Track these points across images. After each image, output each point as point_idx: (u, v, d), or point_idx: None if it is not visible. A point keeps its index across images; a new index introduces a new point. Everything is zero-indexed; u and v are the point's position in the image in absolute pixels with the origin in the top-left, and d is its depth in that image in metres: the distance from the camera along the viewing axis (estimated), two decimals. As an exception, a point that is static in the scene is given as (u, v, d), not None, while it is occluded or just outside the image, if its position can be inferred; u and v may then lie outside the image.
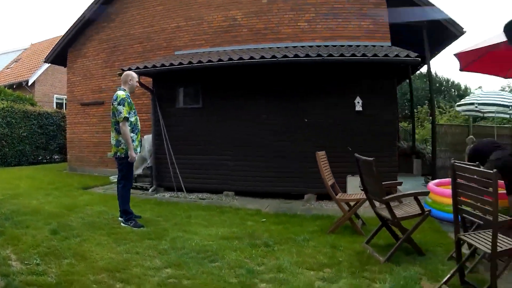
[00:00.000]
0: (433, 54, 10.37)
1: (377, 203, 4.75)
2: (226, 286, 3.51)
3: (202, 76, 8.55)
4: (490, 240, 3.13)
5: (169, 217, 6.17)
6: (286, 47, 8.98)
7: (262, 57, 7.65)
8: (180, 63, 8.10)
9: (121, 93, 5.43)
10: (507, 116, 8.94)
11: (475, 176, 3.33)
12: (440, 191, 6.27)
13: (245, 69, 8.05)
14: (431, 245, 4.75)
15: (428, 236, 5.07)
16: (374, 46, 8.65)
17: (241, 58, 7.72)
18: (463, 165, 3.53)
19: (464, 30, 8.88)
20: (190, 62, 8.01)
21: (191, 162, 8.61)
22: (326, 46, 8.86)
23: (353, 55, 7.21)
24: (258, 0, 9.41)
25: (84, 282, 3.45)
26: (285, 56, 7.53)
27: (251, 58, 7.69)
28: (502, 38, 4.71)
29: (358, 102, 7.81)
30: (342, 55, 7.30)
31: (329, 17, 9.08)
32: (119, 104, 5.35)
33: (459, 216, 3.63)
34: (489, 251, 3.09)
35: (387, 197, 4.31)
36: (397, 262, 4.12)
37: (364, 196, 5.25)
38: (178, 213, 6.48)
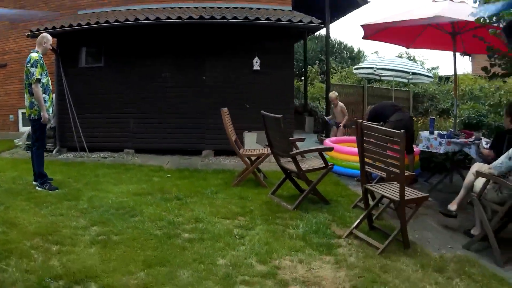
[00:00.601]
0: (332, 19, 10.98)
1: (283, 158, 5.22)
2: (154, 238, 3.74)
3: (105, 35, 8.33)
4: (396, 190, 3.72)
5: (78, 178, 6.14)
6: (188, 7, 8.91)
7: (168, 18, 7.63)
8: (88, 23, 7.82)
9: (34, 55, 5.33)
10: (405, 81, 9.90)
11: (382, 135, 3.79)
12: (338, 148, 7.03)
13: (149, 29, 8.02)
14: (333, 196, 5.39)
15: (329, 188, 5.72)
16: (274, 9, 9.03)
17: (147, 19, 7.66)
18: (370, 124, 3.98)
19: (368, 0, 9.62)
20: (97, 22, 7.78)
21: (93, 121, 8.47)
22: (227, 7, 8.98)
23: (257, 18, 7.56)
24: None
25: (22, 248, 3.42)
26: (190, 17, 7.60)
27: (157, 18, 7.64)
28: (409, 16, 5.46)
29: (256, 62, 8.24)
30: (246, 18, 7.60)
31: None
32: (32, 66, 5.24)
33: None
34: (398, 199, 3.68)
35: (293, 152, 4.85)
36: (306, 210, 4.71)
37: (267, 151, 5.80)
38: (86, 173, 6.48)
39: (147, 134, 8.43)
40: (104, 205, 4.69)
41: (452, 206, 4.41)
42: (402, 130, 3.58)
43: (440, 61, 55.45)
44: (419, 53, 25.63)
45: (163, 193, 5.31)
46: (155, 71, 8.41)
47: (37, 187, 5.41)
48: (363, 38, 6.82)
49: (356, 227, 4.07)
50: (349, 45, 25.63)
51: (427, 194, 4.09)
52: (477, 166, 4.36)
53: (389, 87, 12.70)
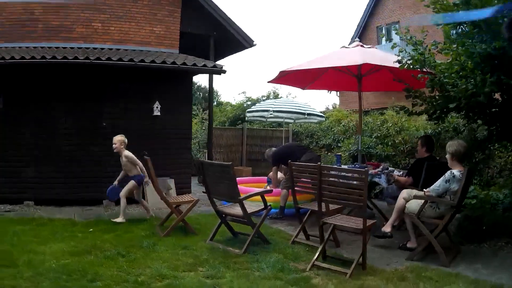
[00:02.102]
0: (216, 59, 11.30)
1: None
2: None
3: (5, 74, 7.30)
4: (353, 222, 4.37)
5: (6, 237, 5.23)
6: (79, 47, 8.26)
7: (54, 57, 7.02)
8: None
9: None
10: (311, 121, 10.54)
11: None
12: (245, 189, 7.10)
13: (44, 69, 7.27)
14: (266, 235, 5.41)
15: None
16: (164, 52, 8.97)
17: (33, 57, 6.94)
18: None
19: (254, 43, 10.01)
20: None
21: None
22: (118, 49, 8.61)
23: (164, 62, 7.45)
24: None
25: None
26: (76, 58, 7.15)
27: (43, 58, 6.96)
28: (336, 62, 6.15)
29: (157, 107, 8.08)
30: (142, 60, 7.44)
31: (123, 20, 8.81)
32: None
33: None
34: (361, 228, 4.17)
35: (242, 197, 4.87)
36: (254, 252, 4.75)
37: (194, 198, 5.94)
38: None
39: (46, 184, 7.57)
40: (50, 270, 4.06)
41: (387, 228, 5.05)
42: (366, 169, 4.08)
43: (307, 99, 59.19)
44: (285, 92, 28.31)
45: (102, 251, 4.78)
46: (52, 116, 7.65)
47: None
48: (269, 82, 7.37)
49: (316, 259, 4.36)
50: (202, 86, 26.48)
51: (374, 220, 4.68)
52: (405, 193, 5.08)
53: (267, 128, 13.61)
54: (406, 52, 5.40)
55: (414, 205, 4.81)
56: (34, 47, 7.87)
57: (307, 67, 6.62)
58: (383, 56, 6.58)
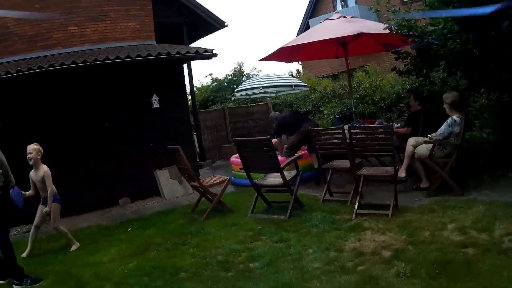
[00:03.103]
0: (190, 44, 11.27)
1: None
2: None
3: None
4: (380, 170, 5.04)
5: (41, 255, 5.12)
6: (60, 53, 8.06)
7: (52, 65, 6.86)
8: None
9: None
10: (297, 91, 10.93)
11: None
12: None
13: (38, 79, 6.99)
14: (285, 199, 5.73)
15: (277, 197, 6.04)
16: (144, 45, 8.99)
17: (40, 67, 6.74)
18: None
19: (226, 24, 10.25)
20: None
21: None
22: (99, 49, 8.48)
23: (158, 53, 7.47)
24: (31, 5, 7.89)
25: None
26: (74, 62, 6.93)
27: (40, 67, 6.76)
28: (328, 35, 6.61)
29: (155, 100, 8.14)
30: (139, 55, 7.38)
31: (98, 20, 8.65)
32: None
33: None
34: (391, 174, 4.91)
35: (283, 165, 5.38)
36: (297, 215, 5.26)
37: (224, 178, 6.28)
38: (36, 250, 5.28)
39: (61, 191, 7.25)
40: (126, 276, 4.08)
41: (402, 174, 5.71)
42: (390, 123, 4.65)
43: (271, 70, 58.57)
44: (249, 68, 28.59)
45: (158, 245, 4.91)
46: (59, 122, 7.44)
47: (14, 287, 4.12)
48: (261, 59, 7.74)
49: (358, 208, 4.95)
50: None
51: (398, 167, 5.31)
52: (413, 141, 5.75)
53: (247, 105, 13.98)
54: (393, 20, 6.05)
55: (424, 149, 5.51)
56: (15, 61, 7.61)
57: (305, 41, 7.03)
58: (367, 24, 7.20)
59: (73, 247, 5.24)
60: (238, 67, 19.51)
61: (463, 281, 3.02)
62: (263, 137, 5.39)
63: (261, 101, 14.11)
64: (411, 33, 5.90)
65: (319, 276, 3.46)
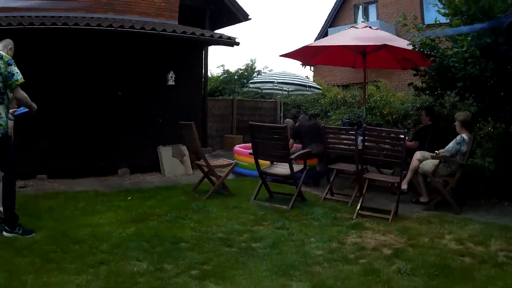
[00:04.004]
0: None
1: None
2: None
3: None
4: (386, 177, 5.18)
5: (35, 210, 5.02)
6: (83, 17, 8.02)
7: (88, 24, 6.87)
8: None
9: (4, 54, 4.03)
10: (309, 93, 10.71)
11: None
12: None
13: (57, 38, 6.99)
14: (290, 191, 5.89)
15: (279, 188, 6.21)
16: (166, 23, 9.00)
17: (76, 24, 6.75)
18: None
19: (249, 17, 10.25)
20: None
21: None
22: (122, 19, 8.48)
23: (174, 31, 7.48)
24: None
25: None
26: (99, 25, 6.94)
27: (64, 24, 6.75)
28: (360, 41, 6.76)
29: (172, 77, 8.13)
30: (164, 30, 7.41)
31: (125, -10, 8.68)
32: (9, 64, 3.97)
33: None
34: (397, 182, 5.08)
35: (293, 156, 5.46)
36: (299, 207, 5.36)
37: (230, 162, 6.35)
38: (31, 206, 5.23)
39: (59, 156, 7.30)
40: (124, 239, 4.07)
41: (403, 186, 5.75)
42: (404, 130, 4.78)
43: (282, 70, 60.32)
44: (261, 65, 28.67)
45: (158, 216, 4.91)
46: (70, 85, 7.33)
47: (5, 233, 4.07)
48: (281, 55, 7.80)
49: (359, 209, 5.10)
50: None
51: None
52: (419, 155, 5.83)
53: (256, 99, 14.08)
54: (418, 36, 6.18)
55: (429, 165, 5.59)
56: (37, 16, 7.54)
57: (330, 43, 7.13)
58: (391, 37, 7.29)
59: None
60: (251, 63, 19.68)
61: (460, 284, 3.16)
62: (280, 125, 5.43)
63: (269, 98, 14.18)
64: (432, 53, 6.06)
65: (321, 263, 3.54)
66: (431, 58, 6.07)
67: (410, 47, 6.27)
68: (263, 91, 11.13)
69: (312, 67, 18.25)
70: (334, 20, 17.93)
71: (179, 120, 7.62)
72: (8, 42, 4.35)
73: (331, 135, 6.09)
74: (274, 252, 3.79)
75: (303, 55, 7.99)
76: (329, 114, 11.32)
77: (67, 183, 6.94)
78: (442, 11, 6.35)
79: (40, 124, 6.96)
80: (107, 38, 7.37)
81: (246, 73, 19.11)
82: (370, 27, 7.48)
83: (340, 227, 4.61)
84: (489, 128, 7.30)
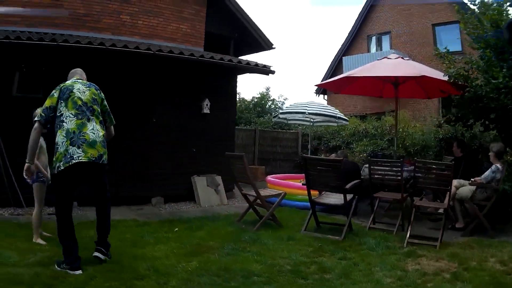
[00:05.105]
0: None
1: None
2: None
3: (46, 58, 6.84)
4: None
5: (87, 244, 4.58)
6: (110, 38, 8.13)
7: (125, 45, 6.99)
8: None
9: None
10: (334, 125, 10.83)
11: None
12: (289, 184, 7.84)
13: (93, 57, 6.97)
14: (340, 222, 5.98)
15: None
16: (194, 50, 9.08)
17: (102, 44, 6.78)
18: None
19: (273, 46, 10.40)
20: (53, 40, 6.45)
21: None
22: (149, 44, 8.66)
23: (222, 58, 7.70)
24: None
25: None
26: (160, 50, 7.09)
27: (113, 45, 6.93)
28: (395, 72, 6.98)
29: (207, 105, 8.19)
30: (202, 56, 7.61)
31: (151, 15, 8.76)
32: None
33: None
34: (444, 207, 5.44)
35: (348, 186, 5.51)
36: (350, 238, 5.40)
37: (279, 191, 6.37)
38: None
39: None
40: (191, 274, 3.89)
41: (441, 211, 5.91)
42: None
43: (295, 99, 60.13)
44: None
45: (214, 249, 4.76)
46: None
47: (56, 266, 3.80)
48: (317, 85, 7.94)
49: (408, 237, 5.23)
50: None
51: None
52: (456, 182, 6.05)
53: (277, 130, 14.17)
54: (453, 69, 6.55)
55: (466, 191, 5.91)
56: (62, 34, 7.42)
57: (373, 75, 7.29)
58: (425, 68, 7.54)
59: (35, 239, 4.64)
60: (266, 91, 19.93)
61: None
62: (337, 158, 5.57)
63: (288, 128, 14.28)
64: (466, 83, 6.37)
65: None
66: (467, 89, 6.36)
67: (446, 78, 6.59)
68: (289, 121, 11.17)
69: (325, 96, 18.46)
70: (348, 49, 18.29)
71: (212, 149, 7.63)
72: (82, 71, 4.37)
73: (376, 167, 6.28)
74: (349, 282, 3.81)
75: (337, 84, 8.12)
76: (351, 146, 11.40)
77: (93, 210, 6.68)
78: (475, 45, 6.75)
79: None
80: (140, 62, 7.40)
81: (262, 102, 19.29)
82: (402, 58, 7.67)
83: (396, 255, 4.69)
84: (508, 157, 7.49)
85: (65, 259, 3.79)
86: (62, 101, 3.91)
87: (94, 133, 3.94)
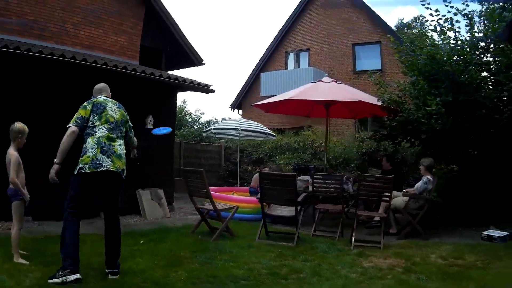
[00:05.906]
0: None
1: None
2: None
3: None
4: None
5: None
6: (53, 47, 7.86)
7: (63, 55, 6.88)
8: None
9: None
10: (261, 139, 11.55)
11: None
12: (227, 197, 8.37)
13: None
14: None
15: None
16: (129, 63, 9.17)
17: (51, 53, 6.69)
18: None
19: (204, 62, 10.86)
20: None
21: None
22: (90, 55, 8.55)
23: (176, 78, 8.04)
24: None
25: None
26: (85, 59, 7.06)
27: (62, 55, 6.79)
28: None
29: (150, 121, 8.36)
30: (152, 73, 7.82)
31: (93, 26, 8.65)
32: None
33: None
34: (384, 216, 6.33)
35: (299, 200, 6.21)
36: (301, 243, 6.06)
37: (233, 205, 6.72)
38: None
39: (42, 195, 6.61)
40: (199, 281, 4.24)
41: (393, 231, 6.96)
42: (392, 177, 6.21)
43: (211, 114, 59.63)
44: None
45: (185, 259, 5.00)
46: (47, 117, 7.00)
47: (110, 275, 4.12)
48: (253, 105, 8.63)
49: (354, 241, 6.01)
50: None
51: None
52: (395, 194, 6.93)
53: (201, 143, 14.54)
54: (386, 95, 7.59)
55: (400, 201, 6.82)
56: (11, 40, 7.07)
57: (314, 98, 8.00)
58: (356, 92, 8.56)
59: (16, 259, 4.48)
60: (184, 105, 20.14)
61: (465, 279, 4.37)
62: (290, 173, 6.23)
63: (209, 142, 14.76)
64: (397, 108, 7.44)
65: (363, 281, 4.42)
66: (399, 114, 7.39)
67: (379, 103, 7.57)
68: (216, 135, 11.73)
69: (240, 111, 19.31)
70: (265, 65, 19.11)
71: (153, 163, 7.85)
72: (107, 87, 4.64)
73: (319, 180, 7.04)
74: (323, 279, 4.48)
75: (271, 105, 8.92)
76: (274, 159, 12.28)
77: (55, 225, 6.10)
78: (408, 72, 7.64)
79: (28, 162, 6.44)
80: (81, 75, 7.32)
81: (180, 115, 19.38)
82: (335, 81, 8.60)
83: (349, 256, 5.43)
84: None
85: (64, 263, 3.84)
86: (95, 115, 4.18)
87: (121, 149, 4.28)
